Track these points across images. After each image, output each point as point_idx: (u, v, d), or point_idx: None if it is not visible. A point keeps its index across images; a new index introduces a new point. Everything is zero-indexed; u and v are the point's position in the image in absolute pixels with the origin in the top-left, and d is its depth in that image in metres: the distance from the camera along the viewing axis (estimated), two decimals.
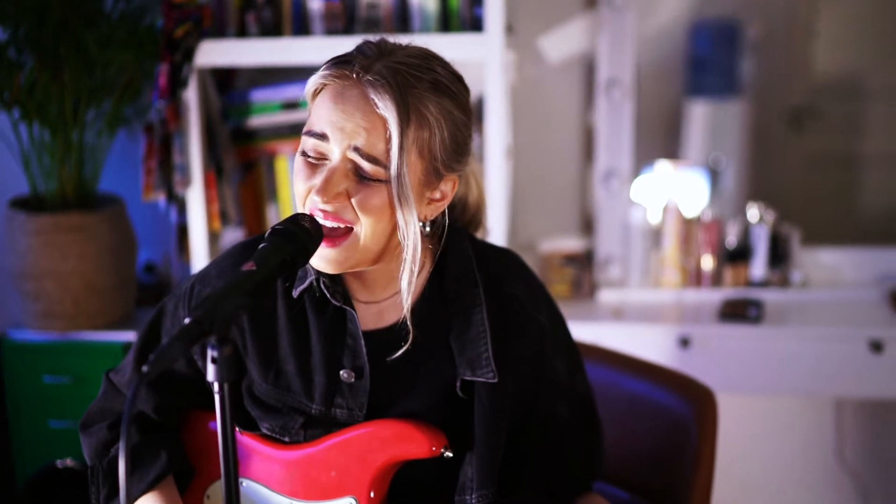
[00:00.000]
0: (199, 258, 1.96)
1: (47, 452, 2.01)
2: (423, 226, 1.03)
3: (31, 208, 1.99)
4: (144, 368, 0.77)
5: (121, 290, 2.04)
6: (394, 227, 0.98)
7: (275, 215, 2.02)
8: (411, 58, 0.98)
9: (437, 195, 1.02)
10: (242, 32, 1.92)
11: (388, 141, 0.95)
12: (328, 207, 0.96)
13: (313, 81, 0.99)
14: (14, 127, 1.96)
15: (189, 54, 1.85)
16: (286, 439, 1.09)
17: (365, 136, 0.95)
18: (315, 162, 0.98)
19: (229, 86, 2.09)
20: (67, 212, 1.96)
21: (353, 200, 0.96)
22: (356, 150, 0.96)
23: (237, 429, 1.12)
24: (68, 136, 1.95)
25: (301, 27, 1.90)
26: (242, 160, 2.04)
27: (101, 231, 1.97)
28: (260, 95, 1.99)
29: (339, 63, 0.98)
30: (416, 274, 0.99)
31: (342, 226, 0.97)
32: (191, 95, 1.88)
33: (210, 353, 0.81)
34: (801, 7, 2.68)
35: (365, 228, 0.97)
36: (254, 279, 0.88)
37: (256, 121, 2.00)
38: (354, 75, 0.96)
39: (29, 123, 1.95)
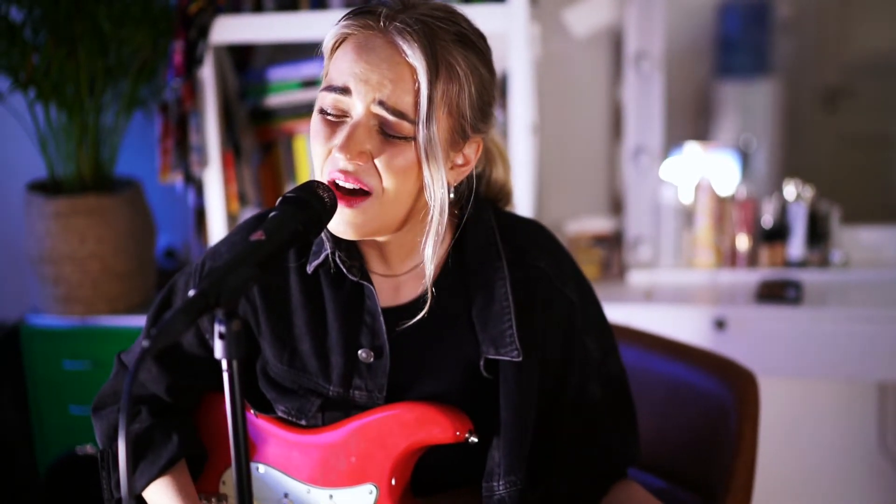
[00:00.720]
0: (218, 240, 1.92)
1: (68, 438, 1.99)
2: (448, 191, 0.97)
3: (48, 191, 1.97)
4: (145, 343, 0.72)
5: (140, 274, 2.01)
6: (419, 190, 0.93)
7: None
8: (436, 10, 0.93)
9: (460, 160, 0.97)
10: (258, 7, 1.88)
11: (417, 93, 0.89)
12: (350, 167, 0.91)
13: (333, 33, 0.93)
14: (30, 109, 1.93)
15: (204, 31, 1.81)
16: (303, 422, 1.05)
17: (391, 88, 0.89)
18: (335, 120, 0.93)
19: (247, 64, 2.04)
20: (85, 195, 1.94)
21: (376, 161, 0.91)
22: (381, 103, 0.90)
23: (253, 412, 1.07)
24: (85, 118, 1.93)
25: (318, 1, 1.85)
26: (260, 140, 1.99)
27: (119, 214, 1.95)
28: (278, 74, 1.94)
29: (363, 13, 0.92)
30: (441, 240, 0.93)
31: (363, 188, 0.92)
32: (207, 73, 1.85)
33: (217, 329, 0.76)
34: None
35: (389, 191, 0.92)
36: (263, 250, 0.83)
37: (274, 100, 1.95)
38: (382, 23, 0.90)
39: (45, 105, 1.92)
